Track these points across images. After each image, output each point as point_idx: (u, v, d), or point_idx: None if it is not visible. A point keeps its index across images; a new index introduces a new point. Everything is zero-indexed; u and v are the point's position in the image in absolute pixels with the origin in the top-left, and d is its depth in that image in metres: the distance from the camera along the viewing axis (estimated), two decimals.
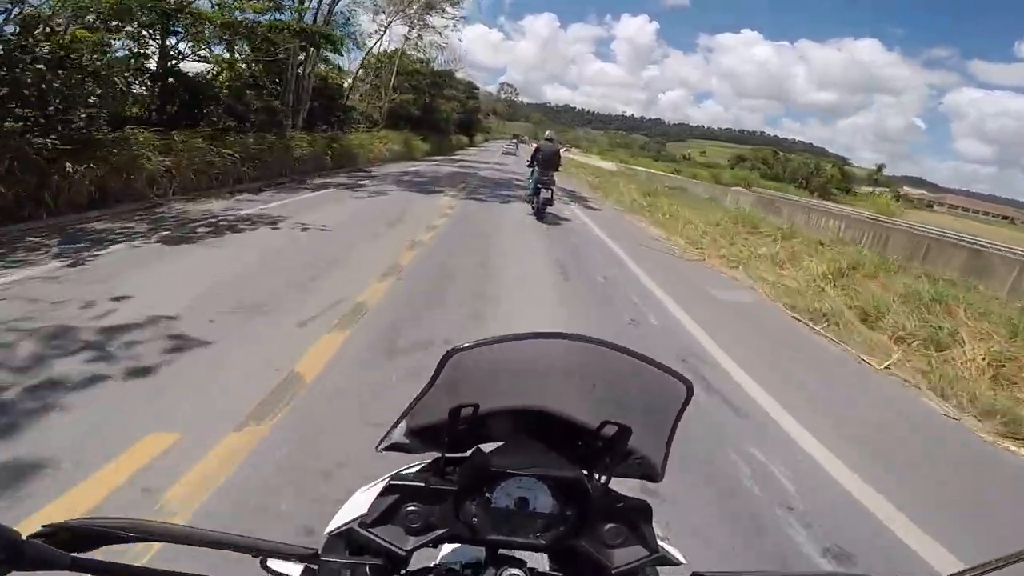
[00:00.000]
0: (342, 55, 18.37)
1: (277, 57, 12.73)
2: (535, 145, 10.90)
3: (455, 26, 26.63)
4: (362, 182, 12.08)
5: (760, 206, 14.96)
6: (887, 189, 75.37)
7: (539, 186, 9.47)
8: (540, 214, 9.38)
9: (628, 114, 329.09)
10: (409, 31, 26.05)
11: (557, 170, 9.95)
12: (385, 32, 23.79)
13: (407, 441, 0.64)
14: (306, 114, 13.96)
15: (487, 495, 0.60)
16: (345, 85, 22.04)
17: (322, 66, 18.43)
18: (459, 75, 47.39)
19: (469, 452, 0.63)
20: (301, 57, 13.68)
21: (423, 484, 0.60)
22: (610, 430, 0.59)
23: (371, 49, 23.53)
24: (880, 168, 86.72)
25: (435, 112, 32.96)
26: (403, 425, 0.62)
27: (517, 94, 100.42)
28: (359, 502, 0.64)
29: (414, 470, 0.66)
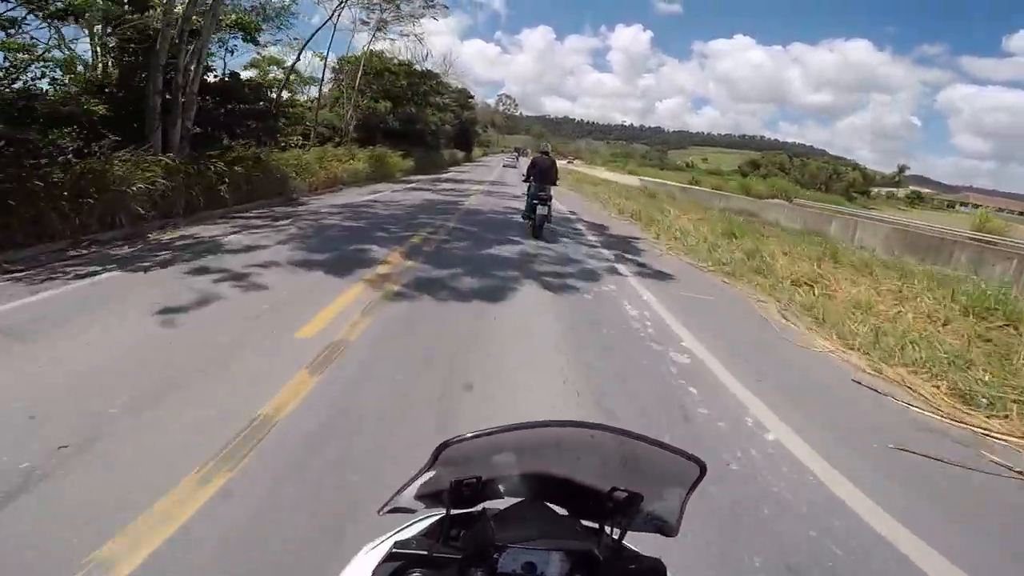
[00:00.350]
0: (257, 42, 13.38)
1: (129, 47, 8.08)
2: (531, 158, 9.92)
3: (432, 15, 21.51)
4: (230, 239, 6.56)
5: (841, 228, 12.12)
6: (899, 190, 70.53)
7: (535, 202, 8.85)
8: (538, 231, 8.73)
9: (627, 123, 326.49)
10: (370, 15, 20.60)
11: (555, 184, 9.22)
12: (336, 15, 18.33)
13: (410, 506, 0.64)
14: (191, 123, 8.97)
15: (495, 559, 0.57)
16: (277, 84, 16.84)
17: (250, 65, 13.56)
18: (452, 82, 42.80)
19: (475, 508, 0.64)
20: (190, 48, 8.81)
21: (427, 552, 0.59)
22: (620, 495, 0.61)
23: (312, 36, 17.99)
24: (902, 170, 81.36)
25: (419, 122, 28.22)
26: (405, 493, 0.62)
27: (516, 106, 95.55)
28: (361, 565, 0.65)
29: (417, 530, 0.69)
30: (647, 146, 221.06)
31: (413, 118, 26.94)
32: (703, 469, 0.58)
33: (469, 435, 0.55)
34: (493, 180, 24.65)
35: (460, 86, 49.62)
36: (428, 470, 0.57)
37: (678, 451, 0.58)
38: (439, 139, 34.25)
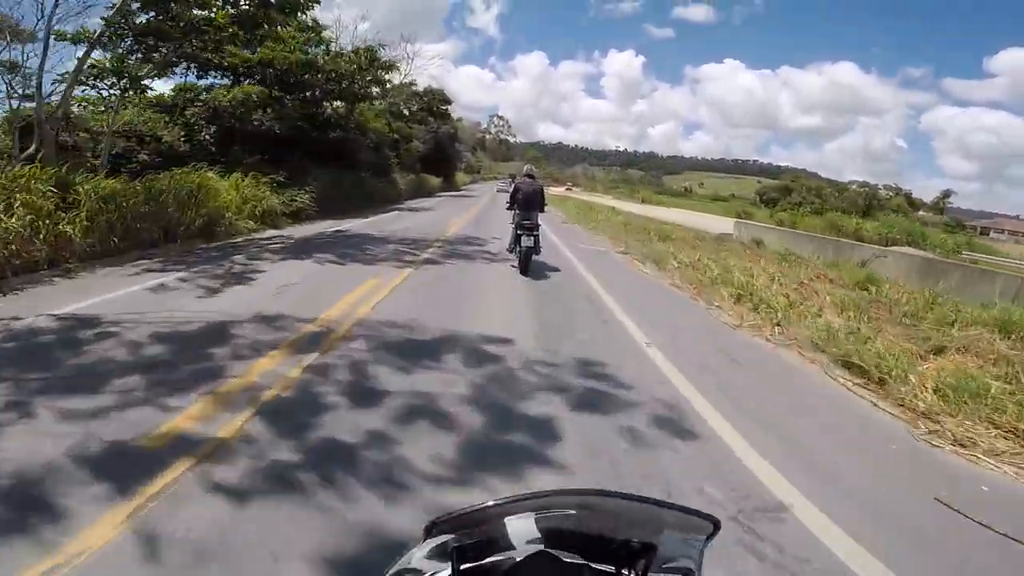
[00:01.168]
0: None
1: None
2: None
3: None
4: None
5: None
6: (939, 216, 61.62)
7: (520, 232, 7.70)
8: (524, 267, 7.64)
9: (621, 149, 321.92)
10: None
11: (542, 211, 8.18)
12: None
13: (417, 566, 0.64)
14: None
15: None
16: None
17: None
18: (415, 81, 32.69)
19: (485, 562, 0.62)
20: None
21: None
22: (635, 545, 0.60)
23: None
24: (946, 195, 72.06)
25: (345, 130, 18.06)
26: (404, 560, 0.63)
27: (510, 128, 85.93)
28: None
29: None
30: (641, 171, 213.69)
31: (329, 121, 16.62)
32: (717, 525, 0.60)
33: (460, 511, 0.56)
34: (451, 239, 14.63)
35: (434, 86, 39.78)
36: (421, 543, 0.60)
37: (689, 510, 0.60)
38: (388, 158, 23.82)
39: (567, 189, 75.75)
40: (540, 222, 8.06)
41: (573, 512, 0.61)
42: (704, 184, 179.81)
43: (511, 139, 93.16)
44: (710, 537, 0.61)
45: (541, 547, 0.60)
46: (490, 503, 0.56)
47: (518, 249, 7.82)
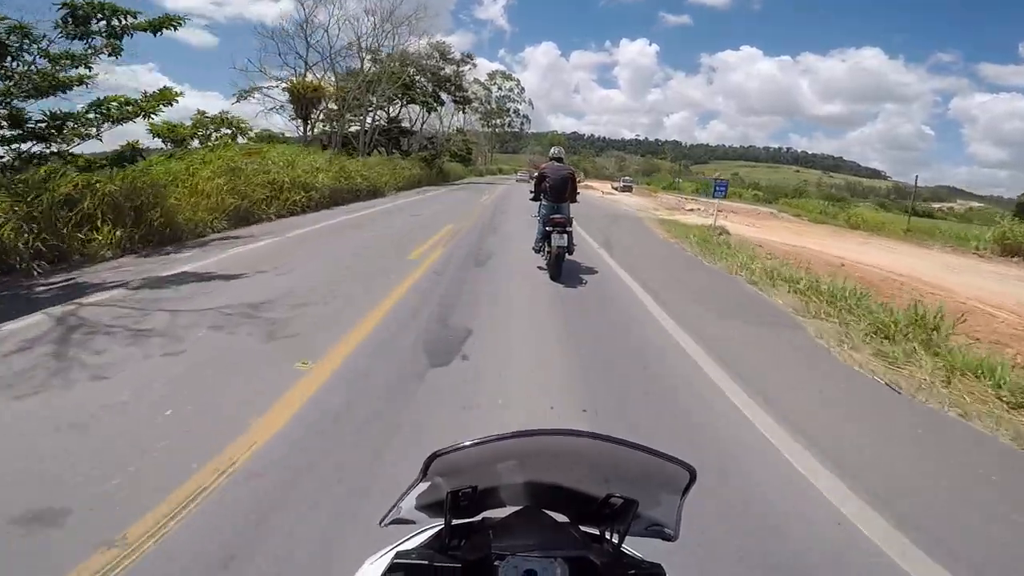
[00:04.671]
0: None
1: None
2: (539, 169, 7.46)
3: None
4: None
5: None
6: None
7: (549, 228, 6.61)
8: (555, 271, 6.48)
9: (641, 138, 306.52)
10: None
11: (575, 201, 7.10)
12: None
13: (411, 517, 0.67)
14: None
15: (495, 567, 0.58)
16: None
17: None
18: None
19: (476, 518, 0.66)
20: None
21: (427, 562, 0.61)
22: (617, 501, 0.63)
23: None
24: None
25: None
26: (404, 503, 0.64)
27: (527, 115, 72.42)
28: (366, 574, 0.68)
29: (419, 541, 0.70)
30: (670, 162, 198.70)
31: None
32: (693, 475, 0.60)
33: (460, 445, 0.56)
34: None
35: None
36: (420, 481, 0.59)
37: (668, 457, 0.59)
38: None
39: (583, 184, 63.87)
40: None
41: (562, 459, 0.61)
42: (739, 174, 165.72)
43: (524, 131, 79.87)
44: (686, 490, 0.62)
45: (530, 503, 0.65)
46: (480, 440, 0.56)
47: (547, 249, 6.84)
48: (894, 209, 63.45)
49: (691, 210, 23.73)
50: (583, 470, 0.63)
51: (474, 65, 36.77)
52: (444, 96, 35.47)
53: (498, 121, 70.56)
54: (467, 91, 37.92)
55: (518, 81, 71.65)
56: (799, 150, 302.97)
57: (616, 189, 50.79)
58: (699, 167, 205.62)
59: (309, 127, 24.51)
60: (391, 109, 32.53)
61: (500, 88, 69.17)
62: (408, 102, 31.95)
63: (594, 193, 35.56)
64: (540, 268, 7.02)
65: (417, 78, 32.80)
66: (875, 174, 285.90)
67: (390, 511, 0.65)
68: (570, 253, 6.72)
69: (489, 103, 65.74)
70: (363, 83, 26.50)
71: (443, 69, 34.47)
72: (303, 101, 23.42)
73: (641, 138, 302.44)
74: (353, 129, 28.09)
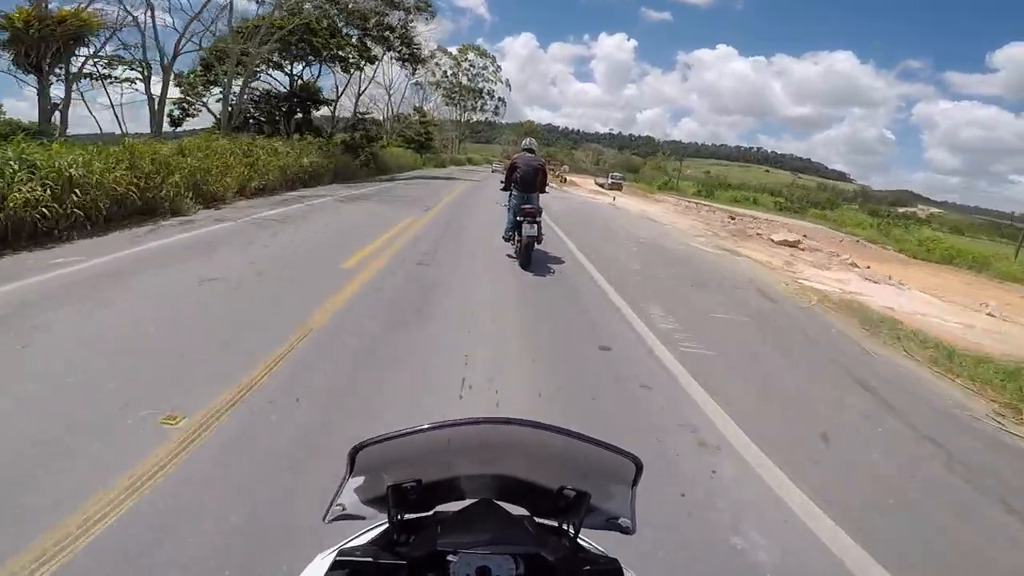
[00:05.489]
0: None
1: None
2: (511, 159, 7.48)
3: None
4: None
5: None
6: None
7: (520, 218, 6.62)
8: (525, 259, 6.58)
9: (615, 132, 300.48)
10: None
11: (544, 191, 7.17)
12: None
13: (358, 512, 0.64)
14: None
15: (449, 563, 0.56)
16: None
17: None
18: None
19: (428, 513, 0.64)
20: None
21: (371, 559, 0.59)
22: (569, 493, 0.61)
23: None
24: None
25: None
26: (343, 499, 0.61)
27: (503, 98, 61.76)
28: (315, 570, 0.63)
29: (369, 537, 0.66)
30: (639, 157, 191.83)
31: None
32: (639, 466, 0.59)
33: (382, 436, 0.54)
34: None
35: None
36: (350, 475, 0.58)
37: (613, 448, 0.58)
38: None
39: (559, 175, 54.43)
40: None
41: (507, 450, 0.59)
42: (710, 172, 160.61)
43: (497, 121, 70.01)
44: (635, 481, 0.60)
45: (487, 496, 0.62)
46: (405, 431, 0.53)
47: (517, 238, 6.86)
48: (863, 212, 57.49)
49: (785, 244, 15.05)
50: (532, 461, 0.60)
51: (432, 15, 26.92)
52: (378, 50, 25.51)
53: (470, 103, 60.20)
54: (418, 48, 28.03)
55: (494, 59, 60.71)
56: (768, 150, 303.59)
57: (603, 187, 42.47)
58: (663, 163, 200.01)
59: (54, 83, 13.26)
60: (295, 69, 22.60)
61: (473, 65, 59.32)
62: (312, 59, 22.02)
63: (577, 194, 26.60)
64: (510, 257, 7.01)
65: (342, 26, 22.95)
66: (841, 176, 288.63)
67: (329, 507, 0.63)
68: (539, 243, 6.79)
69: (456, 79, 55.68)
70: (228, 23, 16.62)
71: (387, 15, 24.72)
72: (35, 41, 12.43)
73: (615, 132, 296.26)
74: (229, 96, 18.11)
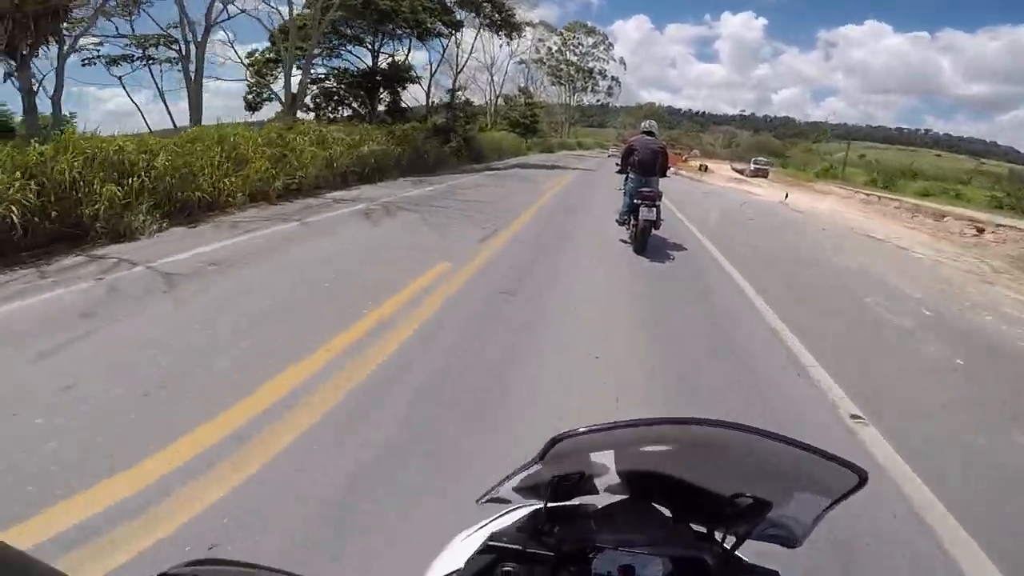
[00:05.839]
0: None
1: None
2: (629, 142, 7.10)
3: None
4: None
5: None
6: None
7: (638, 201, 6.34)
8: (641, 244, 6.35)
9: (747, 113, 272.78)
10: None
11: (664, 175, 6.81)
12: None
13: (506, 496, 0.63)
14: None
15: (590, 558, 0.55)
16: None
17: None
18: None
19: (572, 503, 0.62)
20: None
21: (521, 547, 0.58)
22: (744, 501, 0.56)
23: None
24: None
25: None
26: (508, 484, 0.60)
27: (617, 77, 56.35)
28: (456, 551, 0.65)
29: (512, 520, 0.65)
30: (779, 140, 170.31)
31: None
32: (863, 479, 0.51)
33: (584, 429, 0.52)
34: None
35: None
36: (537, 463, 0.55)
37: (835, 458, 0.51)
38: None
39: (699, 166, 46.97)
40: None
41: (690, 451, 0.54)
42: (865, 156, 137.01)
43: (609, 103, 64.43)
44: (847, 495, 0.53)
45: (636, 493, 0.61)
46: (610, 425, 0.50)
47: (633, 222, 6.61)
48: None
49: None
50: (716, 465, 0.55)
51: None
52: (464, 15, 21.53)
53: (580, 83, 55.16)
54: (510, 13, 23.68)
55: (605, 36, 54.97)
56: (940, 132, 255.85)
57: (743, 174, 35.32)
58: (815, 146, 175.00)
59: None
60: (378, 44, 19.44)
61: (581, 44, 53.92)
62: (387, 28, 18.53)
63: (717, 185, 20.56)
64: (624, 242, 6.84)
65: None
66: None
67: (492, 489, 0.62)
68: (657, 228, 6.55)
69: (563, 56, 50.72)
70: None
71: None
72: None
73: (747, 114, 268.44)
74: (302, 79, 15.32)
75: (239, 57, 18.13)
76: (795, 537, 0.59)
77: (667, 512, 0.61)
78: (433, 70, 23.10)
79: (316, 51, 15.69)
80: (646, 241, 6.38)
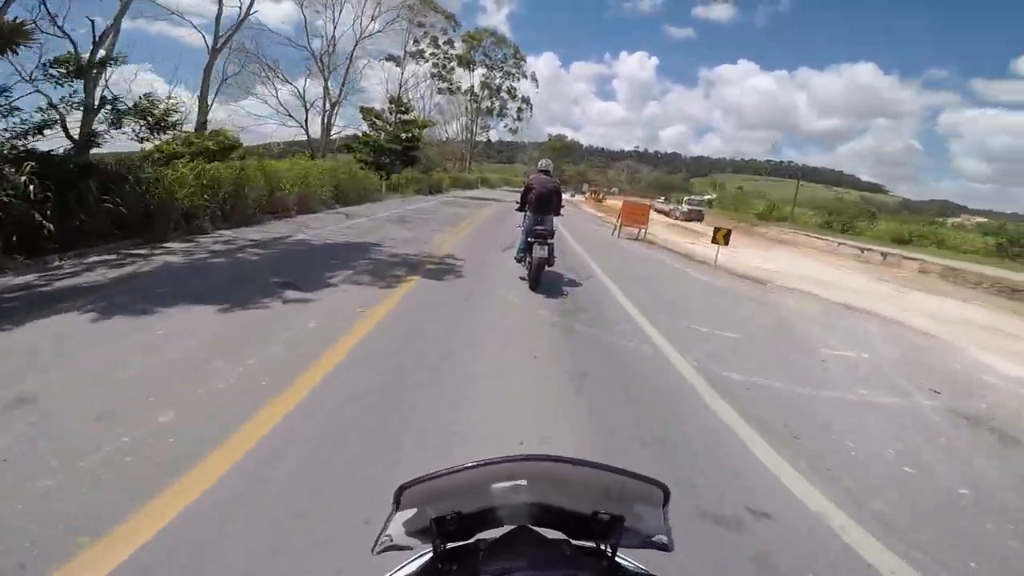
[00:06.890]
0: None
1: None
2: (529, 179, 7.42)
3: None
4: None
5: None
6: None
7: (532, 239, 6.63)
8: (535, 281, 6.60)
9: (640, 149, 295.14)
10: None
11: (558, 214, 7.06)
12: None
13: (404, 543, 0.65)
14: None
15: None
16: None
17: None
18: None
19: (471, 540, 0.64)
20: None
21: None
22: (604, 517, 0.62)
23: None
24: None
25: None
26: (391, 531, 0.63)
27: (528, 99, 52.21)
28: None
29: (414, 567, 0.66)
30: (670, 175, 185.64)
31: None
32: (667, 493, 0.61)
33: (426, 476, 0.57)
34: None
35: None
36: (396, 511, 0.60)
37: (639, 477, 0.60)
38: None
39: (597, 197, 46.05)
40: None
41: (525, 483, 0.60)
42: (743, 187, 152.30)
43: (516, 139, 62.85)
44: (665, 504, 0.62)
45: (524, 524, 0.63)
46: (448, 470, 0.56)
47: (528, 259, 6.83)
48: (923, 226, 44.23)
49: None
50: (565, 491, 0.62)
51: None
52: None
53: (487, 104, 49.09)
54: None
55: (516, 49, 49.89)
56: (799, 163, 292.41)
57: (670, 216, 32.47)
58: (702, 180, 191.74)
59: None
60: None
61: (488, 56, 48.71)
62: None
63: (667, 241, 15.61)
64: (522, 279, 7.07)
65: None
66: (877, 188, 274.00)
67: (377, 540, 0.64)
68: (550, 265, 6.80)
69: (459, 68, 46.08)
70: None
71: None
72: None
73: (641, 150, 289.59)
74: None
75: None
76: (665, 542, 0.63)
77: (557, 534, 0.63)
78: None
79: None
80: (539, 277, 6.60)
